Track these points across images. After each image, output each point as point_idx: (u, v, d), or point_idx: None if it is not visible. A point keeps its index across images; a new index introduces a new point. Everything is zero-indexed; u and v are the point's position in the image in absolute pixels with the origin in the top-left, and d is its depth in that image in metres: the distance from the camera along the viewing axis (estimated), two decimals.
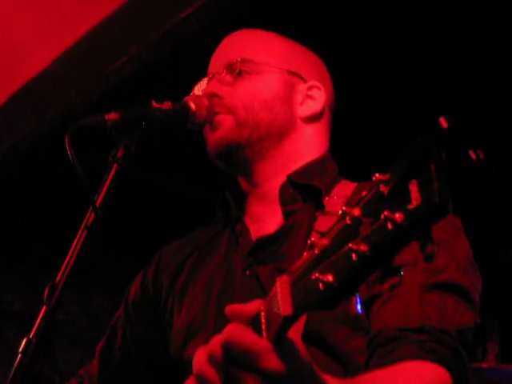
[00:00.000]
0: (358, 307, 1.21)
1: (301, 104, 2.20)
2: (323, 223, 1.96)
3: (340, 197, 2.02)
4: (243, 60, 2.18)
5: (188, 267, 2.22)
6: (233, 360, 1.37)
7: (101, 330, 2.44)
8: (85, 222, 1.96)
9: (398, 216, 1.11)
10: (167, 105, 2.10)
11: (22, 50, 3.72)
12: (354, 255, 1.16)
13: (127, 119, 2.04)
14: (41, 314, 1.87)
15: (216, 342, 1.40)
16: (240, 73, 2.18)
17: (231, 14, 3.11)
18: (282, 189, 2.11)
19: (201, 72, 2.28)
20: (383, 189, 1.15)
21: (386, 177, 1.16)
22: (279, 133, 2.15)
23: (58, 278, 1.90)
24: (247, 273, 2.04)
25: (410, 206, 1.10)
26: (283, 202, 2.10)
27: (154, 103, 2.09)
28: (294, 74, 2.21)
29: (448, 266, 1.83)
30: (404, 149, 1.13)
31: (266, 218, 2.13)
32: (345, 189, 2.08)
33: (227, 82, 2.18)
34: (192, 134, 2.20)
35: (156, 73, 3.61)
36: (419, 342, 1.71)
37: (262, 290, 1.95)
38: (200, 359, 1.42)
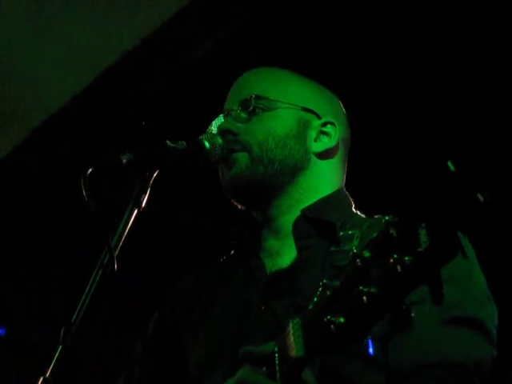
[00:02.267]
0: (370, 350, 1.22)
1: (315, 140, 2.21)
2: (338, 258, 2.00)
3: (354, 232, 2.03)
4: (257, 97, 2.21)
5: (203, 302, 2.23)
6: None
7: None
8: (100, 262, 1.98)
9: (407, 259, 1.13)
10: (181, 144, 2.13)
11: (40, 87, 3.77)
12: (364, 297, 1.17)
13: (142, 159, 2.07)
14: (57, 354, 1.89)
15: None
16: (254, 110, 2.20)
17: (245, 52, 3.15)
18: (296, 224, 2.12)
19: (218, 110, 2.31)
20: (392, 231, 1.16)
21: (395, 220, 1.17)
22: (293, 169, 2.17)
23: (73, 318, 1.93)
24: (263, 308, 2.04)
25: (419, 249, 1.12)
26: (297, 237, 2.11)
27: (168, 142, 2.12)
28: (309, 110, 2.23)
29: (464, 300, 1.83)
30: (412, 192, 1.15)
31: (280, 252, 2.14)
32: (359, 223, 2.08)
33: (242, 118, 2.20)
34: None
35: (172, 110, 3.66)
36: (436, 377, 1.72)
37: (278, 326, 1.95)
38: None
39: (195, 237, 4.60)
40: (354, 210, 2.22)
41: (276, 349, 1.41)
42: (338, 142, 2.24)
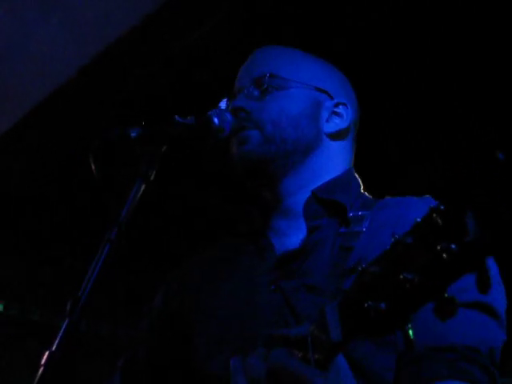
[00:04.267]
0: (410, 333, 1.23)
1: (327, 121, 2.21)
2: (348, 239, 2.01)
3: (364, 213, 2.04)
4: (271, 75, 2.19)
5: (211, 280, 2.22)
6: None
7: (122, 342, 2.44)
8: (107, 236, 1.96)
9: (454, 247, 1.14)
10: (190, 119, 2.11)
11: (41, 64, 3.73)
12: (407, 284, 1.18)
13: (150, 134, 2.05)
14: (63, 327, 1.88)
15: (260, 366, 1.42)
16: (268, 88, 2.18)
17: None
18: (307, 204, 2.12)
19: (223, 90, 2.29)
20: (437, 219, 1.17)
21: (441, 207, 1.18)
22: (305, 149, 2.16)
23: (80, 291, 1.91)
24: (272, 287, 2.03)
25: (467, 239, 1.13)
26: (308, 217, 2.11)
27: (176, 118, 2.10)
28: (322, 90, 2.23)
29: (474, 284, 1.84)
30: (460, 180, 1.16)
31: (289, 233, 2.14)
32: (369, 205, 2.09)
33: (255, 96, 2.19)
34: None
35: (176, 88, 3.63)
36: (449, 361, 1.72)
37: (287, 305, 1.96)
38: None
39: (201, 214, 4.58)
40: (362, 191, 2.22)
41: (309, 332, 1.42)
42: (349, 124, 2.25)
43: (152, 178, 2.02)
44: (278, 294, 2.01)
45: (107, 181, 1.97)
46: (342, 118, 2.24)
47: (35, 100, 3.82)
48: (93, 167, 1.96)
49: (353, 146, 2.30)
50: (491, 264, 1.92)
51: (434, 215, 1.18)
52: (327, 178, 2.17)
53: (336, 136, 2.23)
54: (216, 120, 2.13)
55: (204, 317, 2.15)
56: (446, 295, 1.18)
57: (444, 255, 1.14)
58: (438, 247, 1.15)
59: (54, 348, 1.84)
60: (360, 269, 1.28)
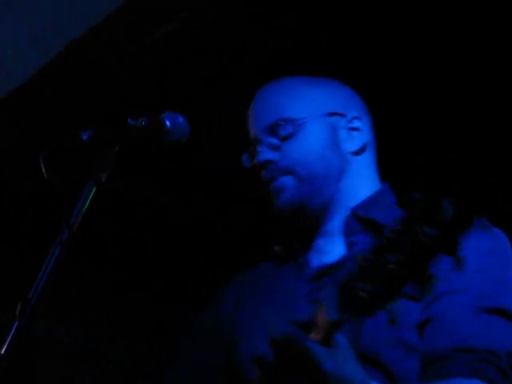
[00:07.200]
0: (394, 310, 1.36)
1: (346, 140, 2.25)
2: None
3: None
4: (285, 120, 2.22)
5: (251, 297, 2.27)
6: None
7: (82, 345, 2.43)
8: (58, 239, 1.96)
9: (431, 228, 1.24)
10: (142, 121, 2.12)
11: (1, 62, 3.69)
12: (390, 265, 1.28)
13: (102, 136, 2.06)
14: (12, 329, 1.87)
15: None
16: (285, 134, 2.22)
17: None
18: (347, 221, 2.18)
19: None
20: (419, 206, 1.28)
21: (422, 196, 1.28)
22: (337, 176, 2.22)
23: (30, 293, 1.91)
24: (307, 299, 2.08)
25: (442, 220, 1.23)
26: (347, 234, 2.17)
27: (129, 120, 2.11)
28: (333, 113, 2.26)
29: (497, 292, 1.93)
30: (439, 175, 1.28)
31: (327, 249, 2.20)
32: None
33: (275, 145, 2.23)
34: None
35: (136, 87, 3.63)
36: (468, 361, 1.82)
37: None
38: None
39: (154, 214, 4.56)
40: (397, 205, 2.18)
41: (314, 314, 1.57)
42: (370, 134, 2.29)
43: (104, 180, 2.04)
44: (313, 304, 2.04)
45: (58, 184, 1.97)
46: (360, 131, 2.27)
47: None
48: (43, 171, 1.95)
49: (377, 156, 2.32)
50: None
51: (416, 204, 1.28)
52: (362, 193, 2.23)
53: (360, 151, 2.26)
54: (168, 123, 2.15)
55: (245, 330, 2.19)
56: (427, 273, 1.28)
57: (422, 236, 1.24)
58: (417, 229, 1.24)
59: (2, 351, 1.84)
60: (360, 255, 1.44)
